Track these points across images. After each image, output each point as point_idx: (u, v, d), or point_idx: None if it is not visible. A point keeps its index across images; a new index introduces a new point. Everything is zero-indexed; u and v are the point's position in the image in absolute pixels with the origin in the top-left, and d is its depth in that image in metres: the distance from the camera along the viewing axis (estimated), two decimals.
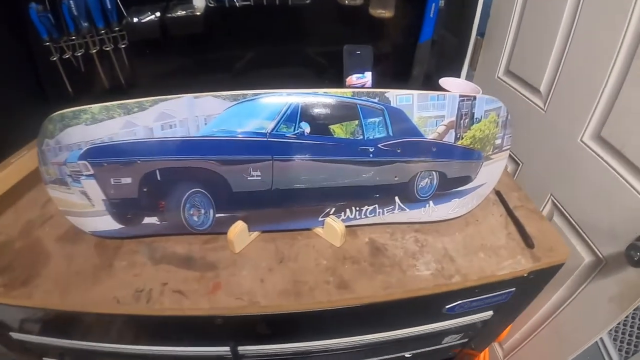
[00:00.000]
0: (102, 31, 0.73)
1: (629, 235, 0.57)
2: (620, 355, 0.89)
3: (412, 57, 0.87)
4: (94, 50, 0.74)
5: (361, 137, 0.53)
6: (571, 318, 0.73)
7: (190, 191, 0.54)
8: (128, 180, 0.54)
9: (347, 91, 0.51)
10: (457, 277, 0.55)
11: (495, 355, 0.98)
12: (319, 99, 0.50)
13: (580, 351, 0.72)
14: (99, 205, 0.55)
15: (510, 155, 0.89)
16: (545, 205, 0.79)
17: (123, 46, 0.76)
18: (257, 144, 0.51)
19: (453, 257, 0.58)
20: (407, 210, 0.60)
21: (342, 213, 0.58)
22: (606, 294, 0.63)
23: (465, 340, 0.73)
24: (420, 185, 0.59)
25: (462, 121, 0.57)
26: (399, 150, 0.55)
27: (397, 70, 0.92)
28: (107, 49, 0.75)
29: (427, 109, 0.55)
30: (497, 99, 0.60)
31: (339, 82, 0.86)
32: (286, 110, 0.50)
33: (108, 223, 0.57)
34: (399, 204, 0.59)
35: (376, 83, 0.87)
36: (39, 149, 0.55)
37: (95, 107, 0.51)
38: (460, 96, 0.56)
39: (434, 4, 0.79)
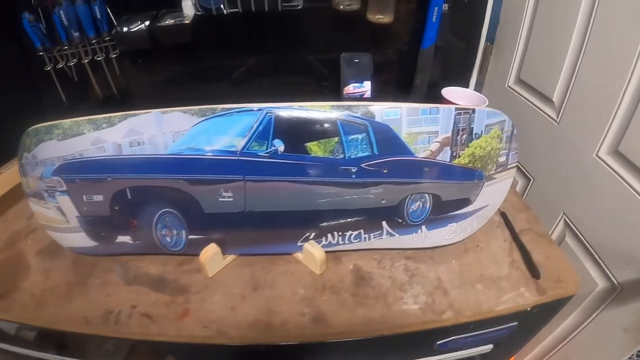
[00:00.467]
0: (94, 41, 0.72)
1: None
2: None
3: (415, 64, 0.81)
4: (86, 60, 0.74)
5: (342, 156, 0.48)
6: (581, 347, 0.68)
7: (161, 211, 0.52)
8: (100, 197, 0.52)
9: (325, 105, 0.46)
10: (449, 313, 0.50)
11: None
12: (293, 114, 0.46)
13: None
14: (73, 222, 0.54)
15: (520, 170, 0.82)
16: (557, 225, 0.72)
17: (114, 56, 0.75)
18: (227, 163, 0.47)
19: (447, 289, 0.53)
20: (397, 235, 0.55)
21: (324, 238, 0.53)
22: (620, 324, 0.58)
23: None
24: (411, 209, 0.53)
25: (458, 137, 0.52)
26: (385, 171, 0.50)
27: (398, 79, 0.86)
28: (99, 58, 0.74)
29: (417, 124, 0.49)
30: (499, 111, 0.54)
31: (337, 92, 0.82)
32: (257, 127, 0.46)
33: (83, 240, 0.55)
34: (387, 229, 0.54)
35: (376, 93, 0.82)
36: (19, 162, 0.54)
37: (66, 122, 0.50)
38: (457, 109, 0.50)
39: (436, 8, 0.73)
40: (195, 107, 0.47)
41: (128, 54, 0.75)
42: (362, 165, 0.49)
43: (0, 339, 0.58)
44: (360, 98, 0.82)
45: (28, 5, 0.67)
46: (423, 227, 0.55)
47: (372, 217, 0.53)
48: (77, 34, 0.71)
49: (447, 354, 0.57)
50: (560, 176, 0.71)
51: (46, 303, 0.52)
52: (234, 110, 0.46)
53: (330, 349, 0.51)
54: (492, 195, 0.57)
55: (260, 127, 0.46)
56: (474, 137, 0.52)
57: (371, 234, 0.54)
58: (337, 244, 0.54)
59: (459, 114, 0.50)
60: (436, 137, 0.50)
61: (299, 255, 0.55)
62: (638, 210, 0.54)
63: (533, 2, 0.73)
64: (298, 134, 0.47)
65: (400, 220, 0.54)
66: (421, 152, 0.50)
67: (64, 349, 0.58)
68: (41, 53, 0.71)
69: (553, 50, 0.68)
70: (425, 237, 0.55)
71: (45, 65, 0.72)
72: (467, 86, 0.92)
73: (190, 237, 0.53)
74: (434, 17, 0.74)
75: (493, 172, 0.56)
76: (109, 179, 0.50)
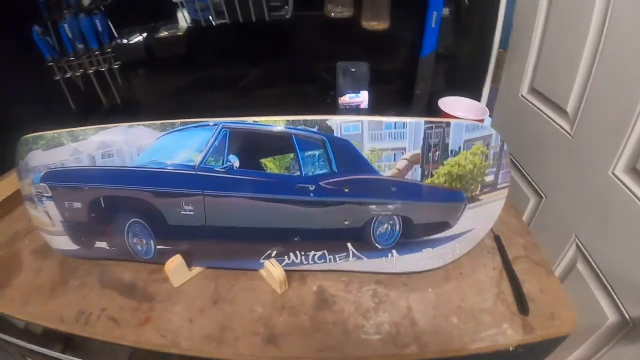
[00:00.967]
0: (97, 52, 0.77)
1: None
2: None
3: (415, 73, 0.77)
4: (91, 70, 0.78)
5: (298, 173, 0.46)
6: None
7: (131, 220, 0.53)
8: (79, 204, 0.55)
9: (278, 119, 0.45)
10: (414, 347, 0.45)
11: None
12: (245, 129, 0.45)
13: None
14: (58, 226, 0.57)
15: (532, 187, 0.74)
16: (568, 249, 0.64)
17: (116, 66, 0.79)
18: (186, 177, 0.47)
19: (416, 320, 0.48)
20: (365, 259, 0.51)
21: (286, 256, 0.51)
22: None
23: None
24: (378, 232, 0.50)
25: (430, 154, 0.47)
26: (346, 190, 0.47)
27: (397, 88, 0.82)
28: (102, 69, 0.78)
29: (381, 140, 0.46)
30: (485, 125, 0.49)
31: (333, 103, 0.80)
32: (214, 142, 0.46)
33: (67, 243, 0.58)
34: (353, 252, 0.51)
35: (374, 103, 0.78)
36: (16, 167, 0.58)
37: (48, 134, 0.53)
38: (427, 123, 0.46)
39: (435, 13, 0.68)
40: (158, 122, 0.47)
41: (129, 65, 0.78)
42: (321, 183, 0.46)
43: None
44: (357, 109, 0.79)
45: (39, 18, 0.71)
46: (393, 251, 0.51)
47: (335, 238, 0.50)
48: (81, 45, 0.76)
49: None
50: (573, 195, 0.63)
51: (31, 299, 0.55)
52: (191, 125, 0.46)
53: None
54: (478, 218, 0.52)
55: (216, 142, 0.46)
56: (450, 153, 0.47)
57: (336, 255, 0.51)
58: (301, 263, 0.52)
59: (430, 127, 0.46)
60: (403, 153, 0.46)
61: (262, 272, 0.54)
62: None
63: (546, 5, 0.65)
64: (253, 149, 0.46)
65: (367, 243, 0.50)
66: (387, 171, 0.46)
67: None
68: (51, 63, 0.76)
69: (567, 56, 0.61)
70: (397, 262, 0.51)
71: (55, 75, 0.77)
72: (479, 96, 0.84)
73: (158, 247, 0.54)
74: (433, 22, 0.69)
75: (478, 193, 0.50)
76: (86, 188, 0.53)
